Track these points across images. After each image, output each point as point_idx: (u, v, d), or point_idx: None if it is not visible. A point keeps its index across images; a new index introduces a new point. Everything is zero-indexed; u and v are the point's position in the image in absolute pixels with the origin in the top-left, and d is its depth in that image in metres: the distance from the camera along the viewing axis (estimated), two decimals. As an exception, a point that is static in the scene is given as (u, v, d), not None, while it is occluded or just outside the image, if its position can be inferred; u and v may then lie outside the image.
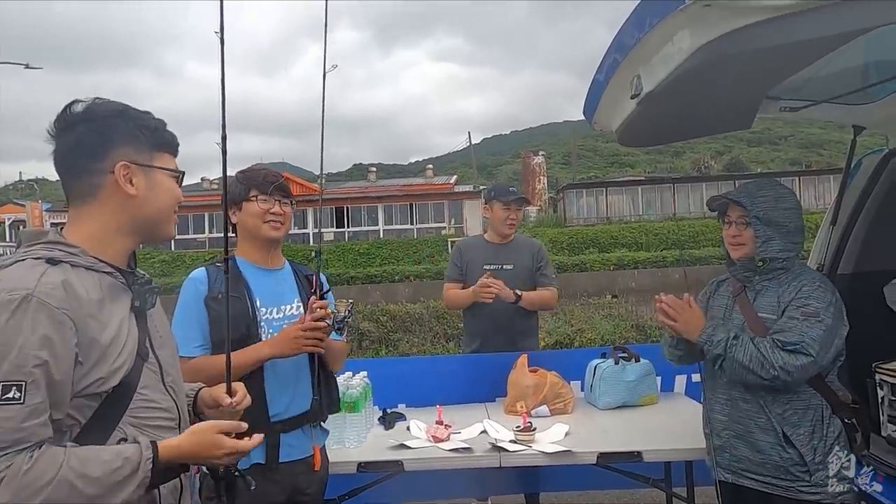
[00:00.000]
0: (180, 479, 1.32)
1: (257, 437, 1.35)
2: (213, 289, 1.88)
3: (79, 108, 1.26)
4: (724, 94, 1.98)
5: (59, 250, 1.20)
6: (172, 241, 28.74)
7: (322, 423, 2.06)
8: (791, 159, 62.57)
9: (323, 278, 2.09)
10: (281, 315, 1.97)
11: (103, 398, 1.18)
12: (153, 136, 1.31)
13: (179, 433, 1.30)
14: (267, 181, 1.97)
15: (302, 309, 1.98)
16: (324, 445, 2.10)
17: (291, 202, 2.04)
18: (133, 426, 1.22)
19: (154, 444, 1.18)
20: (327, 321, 1.89)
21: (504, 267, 3.25)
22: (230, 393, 1.44)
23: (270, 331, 1.92)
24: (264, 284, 1.97)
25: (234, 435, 1.29)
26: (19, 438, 1.05)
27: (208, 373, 1.75)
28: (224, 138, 1.41)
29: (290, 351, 1.86)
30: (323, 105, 1.99)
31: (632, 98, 1.95)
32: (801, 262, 2.04)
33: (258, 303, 1.93)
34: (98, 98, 1.29)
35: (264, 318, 1.93)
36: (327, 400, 2.03)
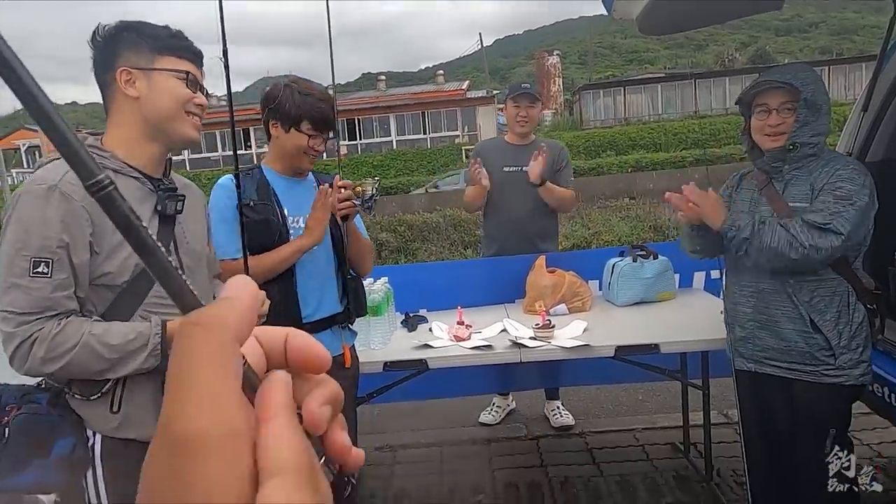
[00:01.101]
0: None
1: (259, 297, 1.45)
2: (242, 197, 1.92)
3: (97, 29, 1.38)
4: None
5: (95, 155, 1.29)
6: (187, 161, 28.73)
7: (350, 325, 2.14)
8: (821, 48, 59.17)
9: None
10: (302, 222, 2.01)
11: (117, 292, 1.32)
12: (155, 41, 1.37)
13: None
14: (322, 116, 1.94)
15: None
16: (353, 345, 2.19)
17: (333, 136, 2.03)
18: (156, 315, 1.35)
19: (164, 321, 1.33)
20: (354, 200, 1.93)
21: (523, 168, 3.18)
22: None
23: None
24: (291, 194, 2.00)
25: None
26: (48, 306, 1.24)
27: (253, 272, 1.85)
28: (225, 53, 1.51)
29: (319, 231, 1.91)
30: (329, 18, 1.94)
31: (654, -21, 1.82)
32: (830, 149, 1.96)
33: (286, 211, 1.97)
34: (121, 21, 1.38)
35: (292, 226, 1.97)
36: (354, 303, 2.10)
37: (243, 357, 0.29)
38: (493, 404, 3.65)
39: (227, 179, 1.97)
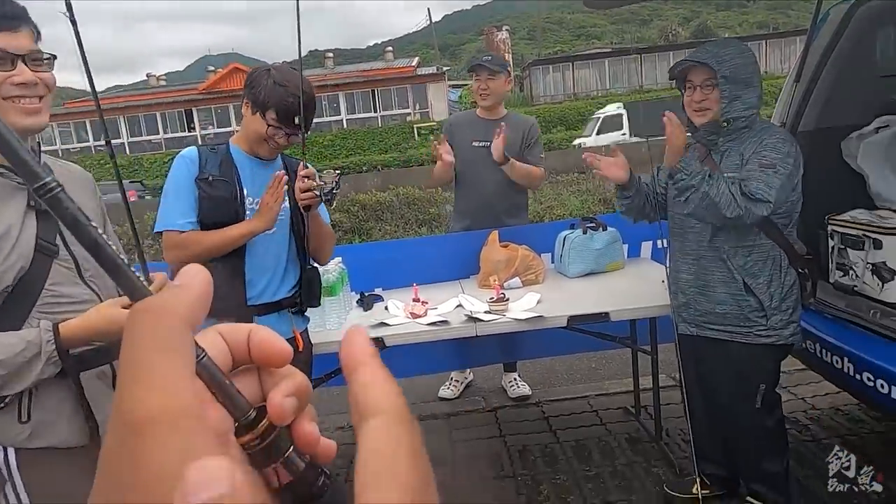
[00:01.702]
0: (112, 366, 1.37)
1: (158, 282, 1.37)
2: (203, 170, 1.87)
3: None
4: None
5: None
6: (126, 145, 27.50)
7: (302, 311, 2.10)
8: (759, 22, 61.10)
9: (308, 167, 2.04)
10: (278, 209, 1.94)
11: (4, 297, 1.21)
12: None
13: None
14: (288, 113, 1.86)
15: (288, 202, 1.96)
16: (305, 330, 2.16)
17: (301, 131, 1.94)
18: (45, 320, 1.24)
19: (55, 325, 1.22)
20: (315, 191, 1.87)
21: (492, 144, 3.19)
22: (149, 281, 1.44)
23: None
24: (255, 175, 1.94)
25: None
26: None
27: (193, 249, 1.82)
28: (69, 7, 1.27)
29: (269, 217, 1.85)
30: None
31: (597, -49, 1.84)
32: (764, 120, 2.06)
33: (246, 192, 1.91)
34: None
35: (250, 206, 1.91)
36: (307, 293, 2.05)
37: (202, 349, 0.29)
38: (452, 379, 3.69)
39: (191, 150, 1.92)
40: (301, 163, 2.00)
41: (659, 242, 3.36)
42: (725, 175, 1.91)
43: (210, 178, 1.87)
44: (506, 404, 3.51)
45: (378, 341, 2.41)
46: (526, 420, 3.31)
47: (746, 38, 29.72)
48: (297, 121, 1.88)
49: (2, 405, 1.21)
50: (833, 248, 2.45)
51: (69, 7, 1.26)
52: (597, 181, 10.78)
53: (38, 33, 1.25)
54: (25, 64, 1.19)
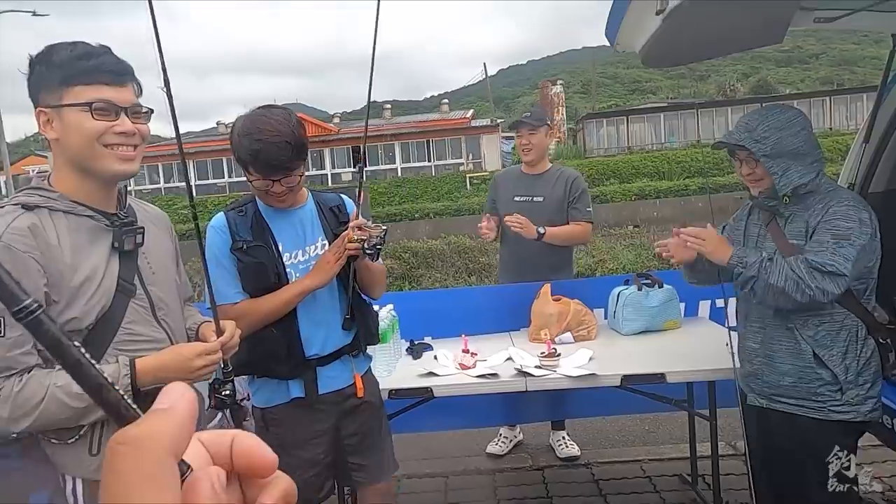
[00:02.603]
0: None
1: (229, 331, 1.45)
2: (236, 238, 1.85)
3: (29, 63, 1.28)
4: (756, 4, 1.88)
5: (39, 195, 1.27)
6: (194, 187, 28.94)
7: (363, 352, 2.05)
8: (822, 78, 59.78)
9: (349, 204, 2.03)
10: (306, 257, 1.92)
11: (84, 334, 1.26)
12: (61, 72, 1.25)
13: None
14: (261, 160, 1.71)
15: (327, 245, 1.93)
16: (368, 370, 2.10)
17: (303, 161, 1.82)
18: (124, 356, 1.30)
19: (132, 360, 1.27)
20: (364, 243, 1.83)
21: (534, 199, 3.19)
22: (219, 332, 1.48)
23: (297, 275, 1.88)
24: (287, 226, 1.91)
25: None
26: (6, 366, 1.18)
27: (251, 318, 1.81)
28: (167, 83, 1.34)
29: (328, 276, 1.82)
30: (374, 43, 1.91)
31: (657, 14, 1.86)
32: (829, 181, 1.96)
33: (282, 248, 1.88)
34: (40, 51, 1.27)
35: (290, 263, 1.88)
36: (365, 333, 2.01)
37: (188, 466, 0.28)
38: (501, 435, 3.61)
39: (219, 220, 1.88)
40: (354, 211, 1.94)
41: (718, 302, 3.25)
42: (790, 254, 1.81)
43: (244, 246, 1.82)
44: (553, 464, 3.39)
45: (426, 391, 2.40)
46: (574, 482, 3.18)
47: (810, 95, 29.13)
48: (278, 164, 1.73)
49: (76, 437, 1.25)
50: (911, 315, 2.30)
51: (167, 83, 1.34)
52: (652, 235, 10.59)
53: (141, 89, 1.36)
54: (127, 116, 1.30)
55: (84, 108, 1.25)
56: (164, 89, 1.33)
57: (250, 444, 0.31)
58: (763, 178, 1.90)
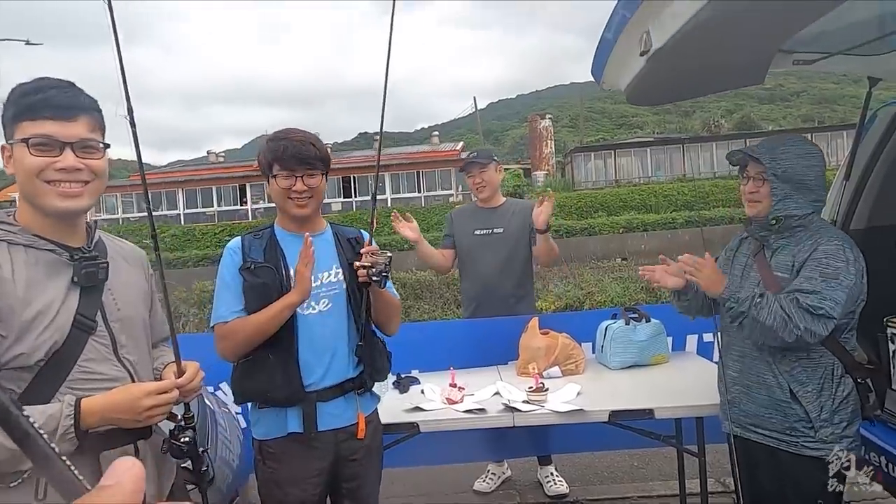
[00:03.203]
0: (136, 448, 1.36)
1: (189, 372, 1.41)
2: (246, 259, 1.87)
3: None
4: (736, 48, 1.94)
5: (1, 230, 1.26)
6: (182, 216, 28.88)
7: (369, 390, 1.99)
8: (804, 115, 61.31)
9: (366, 237, 2.03)
10: (318, 283, 1.89)
11: (36, 371, 1.21)
12: (12, 108, 1.25)
13: None
14: (288, 153, 1.83)
15: (342, 275, 1.92)
16: (374, 410, 2.04)
17: (324, 169, 1.90)
18: (70, 395, 1.24)
19: (78, 400, 1.21)
20: (370, 270, 1.82)
21: (494, 231, 3.28)
22: (180, 373, 1.43)
23: (309, 300, 1.85)
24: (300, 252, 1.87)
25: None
26: None
27: (237, 336, 1.80)
28: (129, 110, 1.34)
29: (304, 286, 1.78)
30: (387, 74, 1.93)
31: (641, 55, 1.91)
32: (821, 220, 1.99)
33: (292, 272, 1.85)
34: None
35: None
36: (370, 368, 1.95)
37: None
38: (488, 472, 3.55)
39: (235, 242, 1.92)
40: (368, 238, 1.94)
41: (706, 336, 3.26)
42: (781, 290, 1.83)
43: (252, 266, 1.84)
44: (542, 501, 3.33)
45: (412, 426, 2.36)
46: (563, 520, 3.12)
47: (792, 132, 29.81)
48: (303, 157, 1.82)
49: (19, 480, 1.18)
50: (894, 352, 2.32)
51: (130, 111, 1.33)
52: (639, 268, 10.68)
53: (102, 124, 1.33)
54: (73, 151, 1.26)
55: (23, 144, 1.24)
56: (127, 117, 1.32)
57: None
58: (762, 201, 1.92)
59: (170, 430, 1.43)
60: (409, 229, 3.21)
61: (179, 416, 1.44)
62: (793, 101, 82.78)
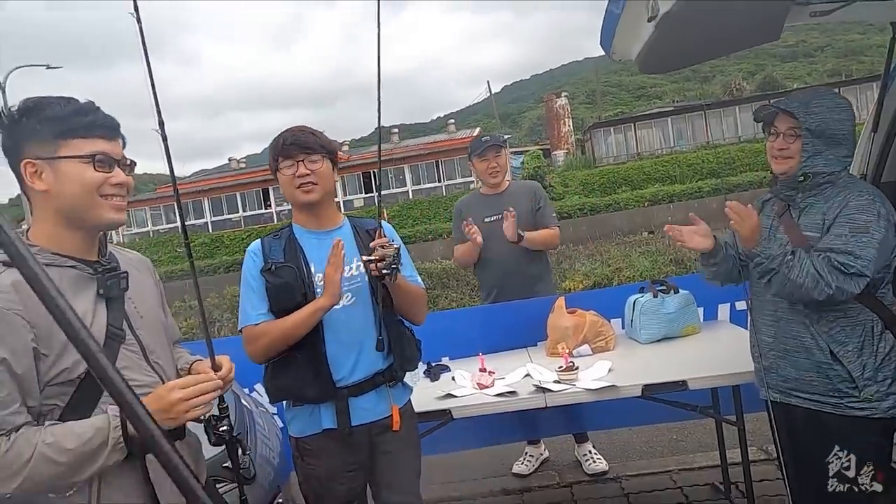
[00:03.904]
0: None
1: (226, 367, 1.46)
2: (267, 260, 1.89)
3: (2, 112, 1.31)
4: (748, 3, 1.88)
5: None
6: (209, 224, 29.41)
7: (401, 381, 1.99)
8: (829, 70, 59.28)
9: (389, 230, 2.01)
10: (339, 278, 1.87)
11: (77, 384, 1.25)
12: (57, 126, 1.28)
13: None
14: (286, 143, 1.88)
15: (363, 268, 1.90)
16: (408, 402, 2.04)
17: (328, 156, 1.91)
18: (114, 405, 1.25)
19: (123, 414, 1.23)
20: (378, 263, 1.79)
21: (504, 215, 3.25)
22: (215, 368, 1.47)
23: None
24: (320, 248, 1.90)
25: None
26: None
27: (265, 340, 1.83)
28: (161, 124, 1.40)
29: (334, 290, 1.79)
30: (378, 69, 1.90)
31: (649, 21, 1.86)
32: (849, 175, 1.92)
33: (313, 268, 1.88)
34: (28, 98, 1.30)
35: (321, 283, 1.85)
36: (400, 358, 1.95)
37: None
38: (526, 454, 3.56)
39: (255, 245, 1.95)
40: (378, 229, 1.92)
41: (738, 304, 3.20)
42: (811, 248, 1.78)
43: (272, 267, 1.86)
44: (581, 479, 3.33)
45: (445, 413, 2.37)
46: (604, 497, 3.12)
47: (818, 88, 28.86)
48: (302, 142, 1.87)
49: (73, 491, 1.22)
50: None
51: (161, 125, 1.41)
52: (667, 241, 10.49)
53: (125, 142, 1.39)
54: (120, 168, 1.34)
55: (86, 161, 1.29)
56: (159, 131, 1.38)
57: None
58: (792, 157, 1.86)
59: (207, 420, 1.48)
60: (476, 233, 3.20)
61: (210, 413, 1.48)
62: (817, 57, 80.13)
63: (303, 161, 1.88)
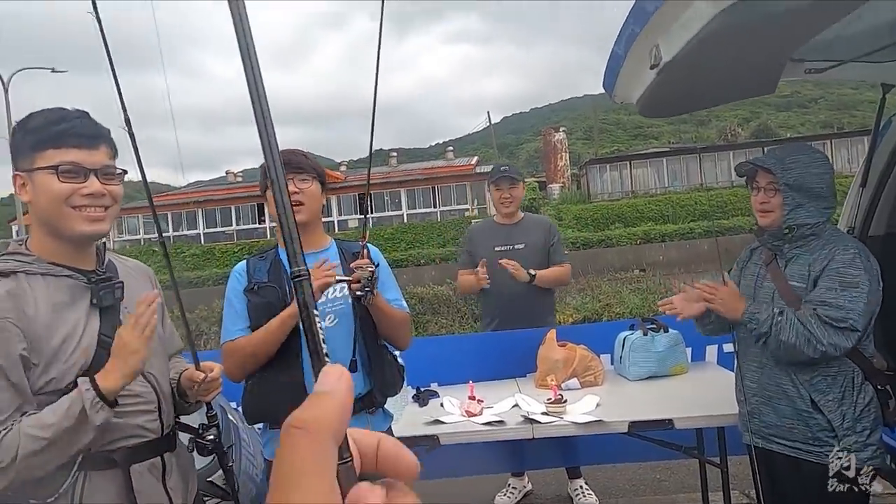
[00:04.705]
0: (162, 458, 1.40)
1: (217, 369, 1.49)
2: (251, 280, 1.91)
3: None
4: (746, 58, 1.95)
5: (16, 261, 1.29)
6: (201, 235, 29.30)
7: (382, 407, 1.98)
8: (822, 122, 60.57)
9: (375, 252, 2.02)
10: (324, 299, 1.88)
11: (67, 392, 1.25)
12: (33, 137, 1.30)
13: (160, 416, 1.40)
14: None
15: (347, 290, 1.89)
16: (388, 429, 2.03)
17: (318, 178, 1.93)
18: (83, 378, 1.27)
19: (91, 378, 1.25)
20: (355, 283, 1.79)
21: (515, 247, 3.29)
22: (202, 371, 1.50)
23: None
24: None
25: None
26: None
27: (241, 353, 1.83)
28: (127, 121, 1.42)
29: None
30: (375, 93, 1.97)
31: (651, 68, 1.93)
32: (834, 227, 1.99)
33: None
34: (24, 117, 1.34)
35: None
36: (380, 382, 1.92)
37: (350, 455, 0.30)
38: (509, 486, 3.54)
39: (240, 265, 1.98)
40: (364, 248, 1.93)
41: (726, 347, 3.23)
42: (799, 299, 1.82)
43: (255, 287, 1.88)
44: (564, 514, 3.30)
45: (433, 439, 2.38)
46: (585, 533, 3.10)
47: (810, 138, 29.48)
48: (293, 161, 1.89)
49: (55, 496, 1.22)
50: (918, 359, 2.29)
51: (127, 121, 1.42)
52: (658, 279, 10.58)
53: (115, 151, 1.40)
54: (97, 177, 1.32)
55: (51, 171, 1.28)
56: (125, 128, 1.40)
57: (395, 448, 0.34)
58: (774, 211, 1.92)
59: (195, 429, 1.47)
60: (484, 278, 3.19)
61: (199, 424, 1.49)
62: (811, 108, 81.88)
63: (292, 180, 1.89)
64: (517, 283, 3.21)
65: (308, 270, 0.33)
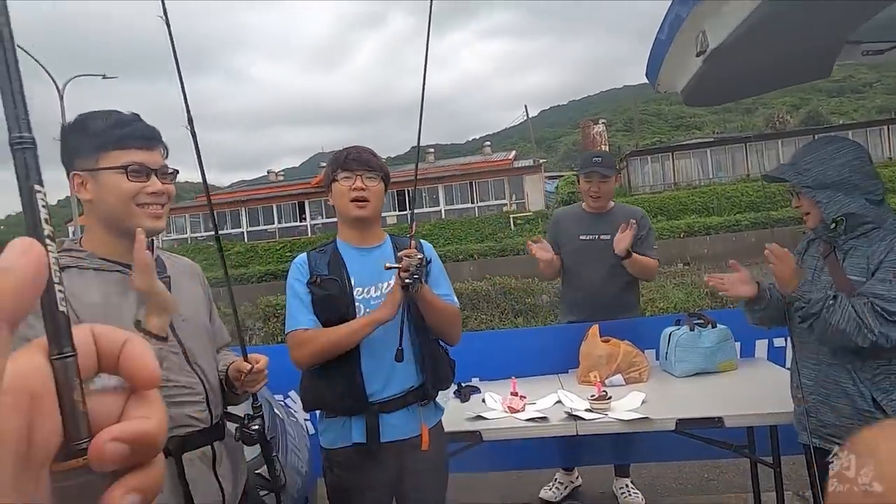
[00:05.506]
0: (212, 447, 1.45)
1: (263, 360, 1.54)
2: (313, 273, 1.96)
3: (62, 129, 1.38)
4: (799, 42, 1.87)
5: (70, 257, 1.35)
6: (245, 234, 30.04)
7: (433, 400, 2.02)
8: (878, 107, 57.72)
9: (428, 247, 2.08)
10: (378, 293, 1.94)
11: None
12: (96, 137, 1.35)
13: (208, 406, 1.45)
14: (349, 157, 1.97)
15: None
16: (438, 422, 2.06)
17: (384, 178, 2.00)
18: None
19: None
20: (403, 272, 1.81)
21: (601, 237, 3.16)
22: (249, 363, 1.54)
23: (367, 309, 1.91)
24: (362, 264, 1.97)
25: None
26: None
27: (311, 345, 1.87)
28: (190, 121, 1.48)
29: (392, 305, 1.84)
30: (423, 87, 1.98)
31: (697, 55, 1.87)
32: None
33: (354, 282, 1.94)
34: (80, 114, 1.39)
35: (360, 297, 1.92)
36: (433, 377, 1.96)
37: (73, 350, 0.27)
38: (556, 480, 3.50)
39: (301, 258, 2.02)
40: (410, 240, 1.97)
41: (777, 341, 3.13)
42: (855, 293, 1.74)
43: (318, 280, 1.93)
44: (608, 512, 3.26)
45: (475, 435, 2.37)
46: (631, 532, 3.05)
47: (866, 125, 28.15)
48: (364, 159, 1.95)
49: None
50: None
51: (190, 121, 1.48)
52: (702, 273, 10.29)
53: (167, 151, 1.46)
54: (157, 177, 1.40)
55: (120, 171, 1.35)
56: (188, 127, 1.48)
57: (140, 351, 0.29)
58: (810, 212, 1.87)
59: (241, 419, 1.52)
60: (542, 250, 3.15)
61: (244, 414, 1.53)
62: (865, 93, 78.25)
63: (361, 176, 1.96)
64: (599, 275, 3.09)
65: (32, 138, 0.27)
